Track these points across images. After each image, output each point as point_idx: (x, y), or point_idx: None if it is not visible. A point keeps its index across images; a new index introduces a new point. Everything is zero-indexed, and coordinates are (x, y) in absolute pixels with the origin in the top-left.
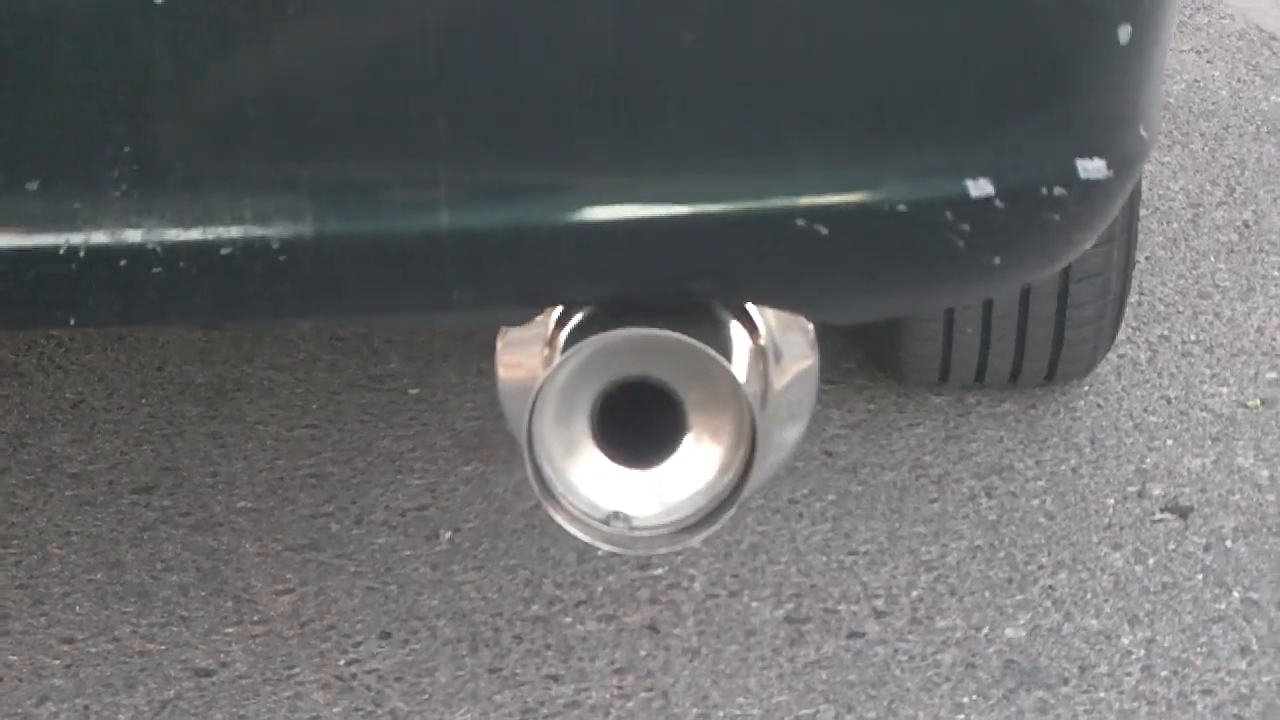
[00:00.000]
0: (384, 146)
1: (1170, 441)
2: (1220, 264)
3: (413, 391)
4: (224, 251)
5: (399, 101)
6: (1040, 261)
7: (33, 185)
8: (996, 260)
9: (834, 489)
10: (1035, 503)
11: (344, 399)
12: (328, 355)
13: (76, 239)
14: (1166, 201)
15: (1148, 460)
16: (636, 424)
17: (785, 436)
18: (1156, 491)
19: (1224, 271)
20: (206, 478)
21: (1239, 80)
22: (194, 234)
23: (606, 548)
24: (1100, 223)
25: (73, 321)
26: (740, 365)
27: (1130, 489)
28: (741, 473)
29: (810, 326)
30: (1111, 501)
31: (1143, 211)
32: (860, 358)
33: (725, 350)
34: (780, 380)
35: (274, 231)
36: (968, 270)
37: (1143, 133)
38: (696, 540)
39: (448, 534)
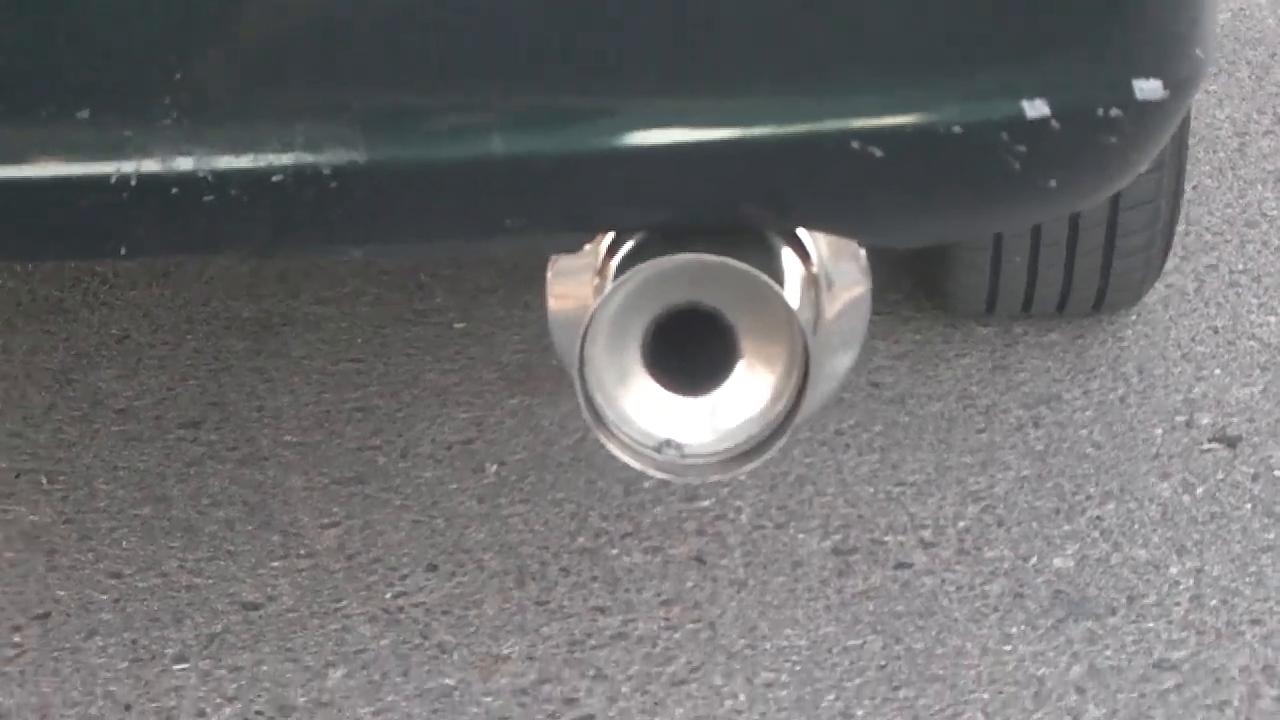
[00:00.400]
0: (437, 72)
1: (1218, 371)
2: (1268, 193)
3: (458, 326)
4: (275, 179)
5: (452, 26)
6: (1096, 184)
7: (84, 113)
8: (1052, 183)
9: (881, 420)
10: (1083, 433)
11: (389, 333)
12: (373, 290)
13: (128, 167)
14: (1213, 130)
15: (1196, 390)
16: (688, 351)
17: (837, 364)
18: (1205, 421)
19: (1271, 200)
20: (253, 412)
21: None
22: (245, 161)
23: (658, 475)
24: (1156, 145)
25: (124, 251)
26: (793, 292)
27: (1178, 419)
28: (794, 400)
29: (863, 253)
30: (1159, 431)
31: (1190, 140)
32: (907, 288)
33: (778, 277)
34: (832, 307)
35: (326, 158)
36: (1023, 192)
37: (1198, 53)
38: (748, 468)
39: (494, 467)
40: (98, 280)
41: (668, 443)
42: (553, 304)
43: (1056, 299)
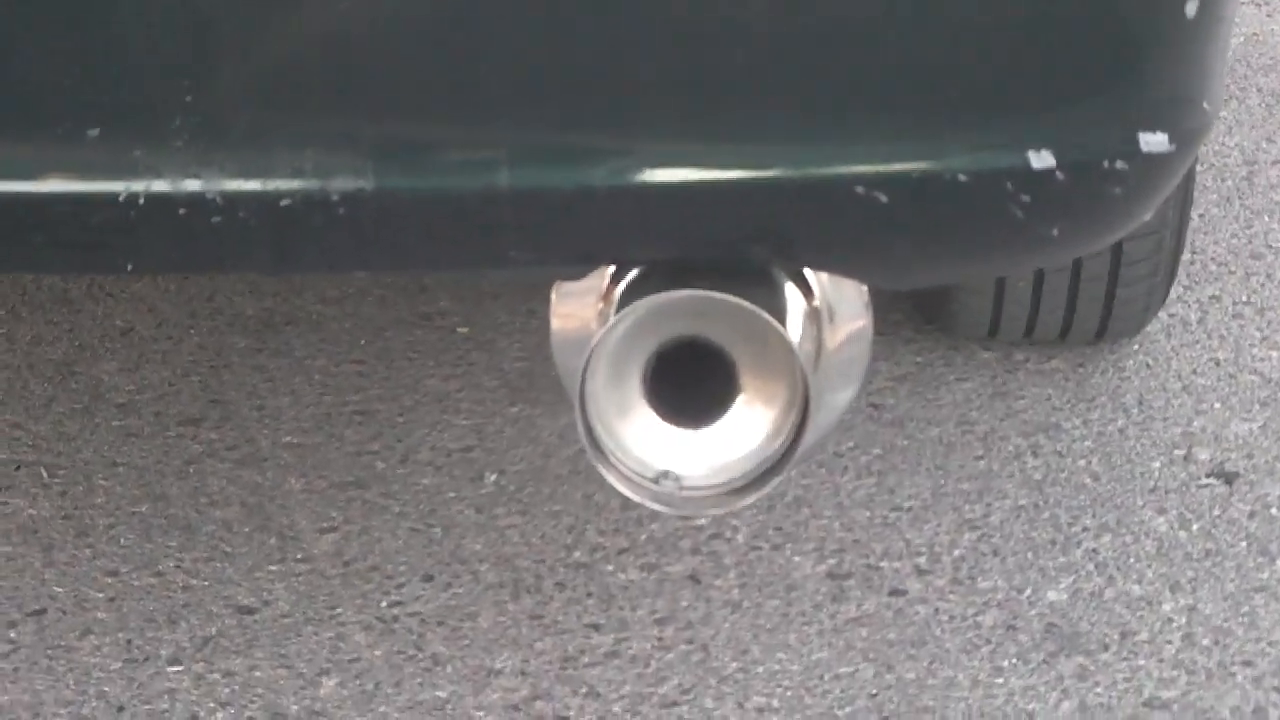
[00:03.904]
0: (447, 105)
1: (1218, 405)
2: (1274, 224)
3: (461, 330)
4: (284, 203)
5: (463, 60)
6: (1098, 233)
7: (94, 132)
8: (1054, 232)
9: (880, 443)
10: (1081, 463)
11: (392, 336)
12: (377, 291)
13: (137, 187)
14: (1221, 158)
15: (1195, 423)
16: (689, 383)
17: (837, 399)
18: (1203, 456)
19: (1277, 232)
20: (253, 411)
21: None
22: (254, 185)
23: (655, 507)
24: (1159, 196)
25: (130, 268)
26: (794, 327)
27: (1177, 452)
28: (793, 436)
29: (865, 288)
30: (1157, 464)
31: (1197, 168)
32: (908, 309)
33: (780, 312)
34: (833, 341)
35: (334, 185)
36: (1025, 241)
37: (1206, 106)
38: (745, 503)
39: (493, 476)
40: None
41: (665, 474)
42: (556, 324)
43: (1059, 326)
